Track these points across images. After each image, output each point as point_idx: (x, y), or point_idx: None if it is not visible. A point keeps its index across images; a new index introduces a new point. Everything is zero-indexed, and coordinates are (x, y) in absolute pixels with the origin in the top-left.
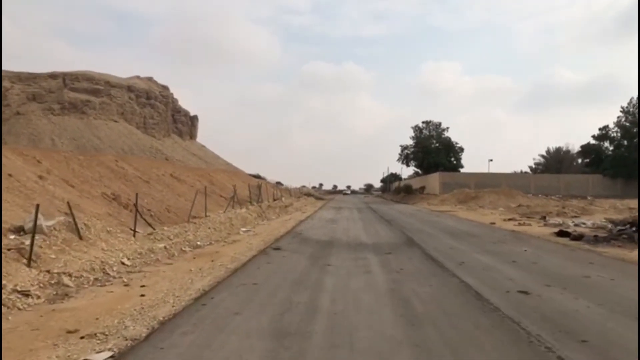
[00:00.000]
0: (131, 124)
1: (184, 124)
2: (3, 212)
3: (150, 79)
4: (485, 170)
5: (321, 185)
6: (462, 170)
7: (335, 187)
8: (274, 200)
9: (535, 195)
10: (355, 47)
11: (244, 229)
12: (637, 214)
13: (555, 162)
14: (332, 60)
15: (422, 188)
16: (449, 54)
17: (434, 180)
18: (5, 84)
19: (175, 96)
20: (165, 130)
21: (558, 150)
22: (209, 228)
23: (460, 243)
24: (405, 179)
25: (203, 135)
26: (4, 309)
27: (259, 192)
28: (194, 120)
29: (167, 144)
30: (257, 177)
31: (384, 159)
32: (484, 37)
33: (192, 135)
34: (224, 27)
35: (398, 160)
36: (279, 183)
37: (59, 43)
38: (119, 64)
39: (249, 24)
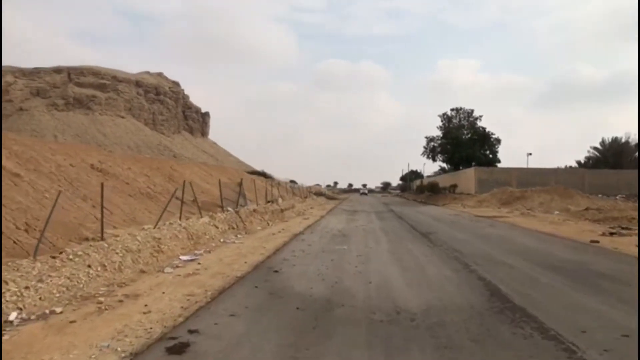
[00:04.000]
0: (139, 120)
1: (195, 121)
2: None
3: (160, 75)
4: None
5: (336, 183)
6: (499, 165)
7: (350, 185)
8: (268, 202)
9: (593, 195)
10: (370, 45)
11: (184, 258)
12: None
13: (613, 155)
14: (347, 58)
15: (454, 186)
16: (465, 52)
17: (468, 176)
18: (8, 78)
19: (186, 92)
20: (175, 127)
21: (615, 141)
22: (89, 266)
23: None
24: (428, 176)
25: (215, 133)
26: None
27: (239, 192)
28: (205, 117)
29: (176, 141)
30: (263, 174)
31: (401, 157)
32: (500, 34)
33: (204, 132)
34: (238, 25)
35: (423, 154)
36: (292, 181)
37: (72, 42)
38: (132, 62)
39: (263, 22)
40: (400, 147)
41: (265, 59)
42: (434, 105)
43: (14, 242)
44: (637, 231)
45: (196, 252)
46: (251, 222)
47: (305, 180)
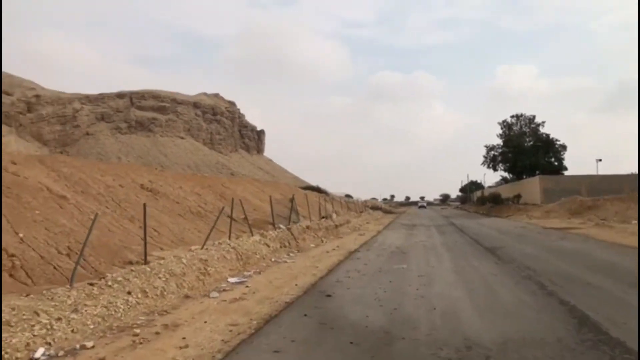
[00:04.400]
0: (198, 140)
1: (251, 139)
2: None
3: (216, 95)
4: (590, 173)
5: (392, 197)
6: (565, 173)
7: (407, 198)
8: (321, 218)
9: None
10: (424, 56)
11: (232, 280)
12: None
13: None
14: (401, 70)
15: (517, 197)
16: (522, 57)
17: (533, 186)
18: (75, 105)
19: (242, 112)
20: (232, 145)
21: None
22: (129, 293)
23: None
24: (489, 187)
25: (271, 150)
26: None
27: (291, 208)
28: (260, 134)
29: (233, 159)
30: (317, 189)
31: (459, 168)
32: (559, 37)
33: (259, 149)
34: (291, 43)
35: (482, 163)
36: (348, 196)
37: (134, 67)
38: (190, 85)
39: (316, 39)
40: (458, 158)
41: (319, 75)
42: (492, 114)
43: (54, 267)
44: None
45: (245, 273)
46: (304, 240)
47: (361, 194)
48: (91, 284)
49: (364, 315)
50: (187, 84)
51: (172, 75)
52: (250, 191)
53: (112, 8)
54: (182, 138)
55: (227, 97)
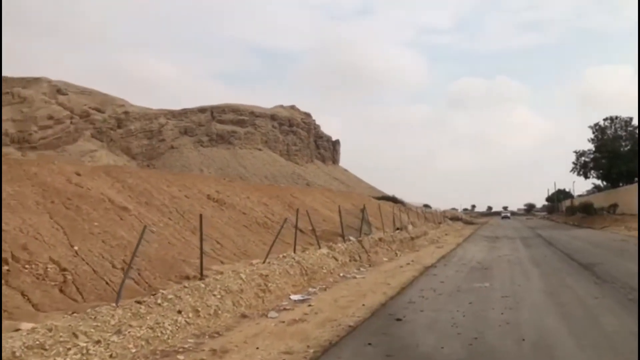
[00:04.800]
0: (274, 151)
1: (326, 149)
2: None
3: (292, 107)
4: None
5: (473, 207)
6: None
7: (489, 208)
8: (396, 229)
9: None
10: (505, 60)
11: (294, 297)
12: None
13: None
14: (481, 76)
15: (613, 206)
16: (614, 57)
17: (631, 194)
18: (161, 120)
19: (317, 122)
20: (308, 156)
21: None
22: (179, 312)
23: None
24: (580, 196)
25: (347, 160)
26: None
27: (362, 219)
28: (336, 145)
29: (309, 169)
30: (392, 199)
31: (545, 176)
32: None
33: (335, 160)
34: (366, 54)
35: (572, 170)
36: (426, 206)
37: (214, 83)
38: (267, 97)
39: (392, 49)
40: (544, 165)
41: (395, 84)
42: (580, 118)
43: (107, 282)
44: None
45: (310, 289)
46: (376, 253)
47: (440, 204)
48: (139, 302)
49: (438, 345)
50: (265, 97)
51: (250, 89)
52: (320, 201)
53: (195, 28)
54: (259, 150)
55: (303, 109)
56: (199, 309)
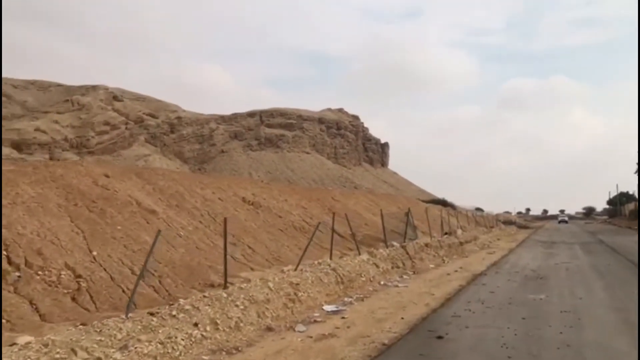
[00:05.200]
0: (322, 154)
1: (375, 152)
2: None
3: (340, 110)
4: None
5: (528, 210)
6: None
7: (545, 212)
8: (444, 234)
9: None
10: (561, 59)
11: (327, 308)
12: None
13: None
14: (535, 76)
15: None
16: None
17: None
18: (212, 125)
19: (365, 125)
20: (356, 159)
21: None
22: (195, 325)
23: None
24: None
25: (396, 162)
26: None
27: (407, 223)
28: (384, 147)
29: (357, 172)
30: (442, 203)
31: (606, 178)
32: None
33: (383, 162)
34: (415, 55)
35: (636, 172)
36: (478, 209)
37: (263, 88)
38: (315, 101)
39: (441, 49)
40: (604, 167)
41: (445, 85)
42: None
43: (123, 290)
44: None
45: (345, 299)
46: (421, 259)
47: (493, 207)
48: (151, 314)
49: None
50: (313, 100)
51: (299, 94)
52: (364, 205)
53: (246, 35)
54: (307, 153)
55: (351, 112)
56: (218, 321)
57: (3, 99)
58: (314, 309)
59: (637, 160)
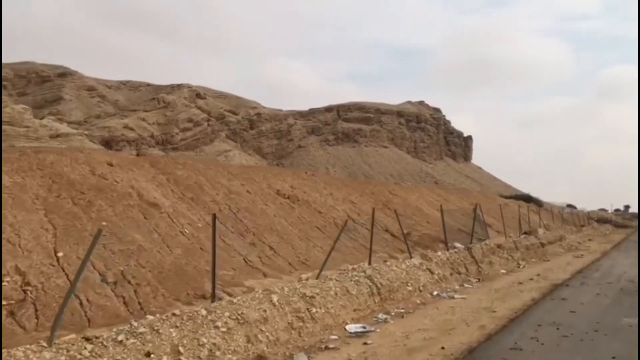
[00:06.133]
0: (401, 149)
1: (457, 146)
2: None
3: (420, 103)
4: None
5: (627, 207)
6: None
7: None
8: (522, 234)
9: None
10: None
11: (351, 328)
12: None
13: None
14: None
15: None
16: None
17: None
18: (289, 121)
19: (447, 118)
20: (437, 153)
21: None
22: (148, 355)
23: None
24: None
25: (480, 157)
26: None
27: (474, 221)
28: (468, 141)
29: (438, 167)
30: (527, 199)
31: None
32: None
33: (467, 157)
34: (503, 44)
35: None
36: (570, 206)
37: (340, 82)
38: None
39: (530, 38)
40: None
41: (535, 75)
42: None
43: (81, 303)
44: None
45: (380, 315)
46: (490, 263)
47: (587, 204)
48: (88, 339)
49: None
50: (393, 94)
51: (378, 88)
52: (428, 200)
53: (323, 31)
54: (385, 147)
55: (432, 104)
56: (182, 349)
57: (97, 99)
58: (332, 329)
59: None
